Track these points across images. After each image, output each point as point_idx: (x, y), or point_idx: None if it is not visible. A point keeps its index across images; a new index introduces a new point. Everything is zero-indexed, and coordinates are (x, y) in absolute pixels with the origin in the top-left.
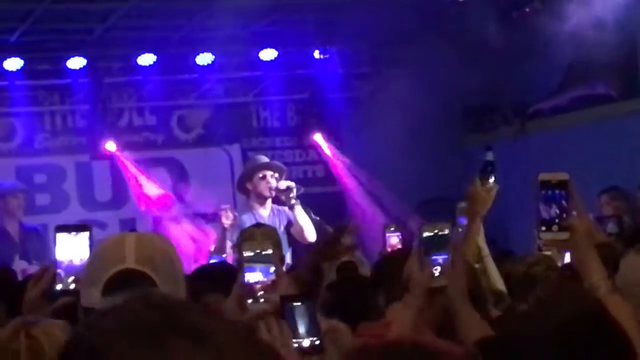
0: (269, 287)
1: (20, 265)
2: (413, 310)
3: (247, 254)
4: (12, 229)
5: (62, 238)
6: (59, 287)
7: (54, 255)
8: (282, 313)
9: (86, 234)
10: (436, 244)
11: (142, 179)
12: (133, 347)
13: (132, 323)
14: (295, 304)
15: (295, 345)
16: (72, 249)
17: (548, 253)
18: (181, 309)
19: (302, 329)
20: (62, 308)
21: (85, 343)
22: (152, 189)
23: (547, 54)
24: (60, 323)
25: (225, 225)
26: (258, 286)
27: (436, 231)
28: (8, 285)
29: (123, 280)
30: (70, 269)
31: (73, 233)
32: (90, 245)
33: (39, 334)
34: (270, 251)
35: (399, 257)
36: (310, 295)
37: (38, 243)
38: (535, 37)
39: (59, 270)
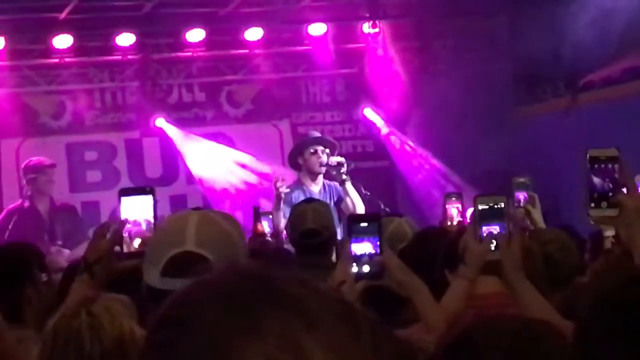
0: None
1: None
2: (467, 282)
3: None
4: (43, 207)
5: (126, 202)
6: (124, 249)
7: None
8: (349, 233)
9: (150, 196)
10: (491, 217)
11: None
12: (225, 317)
13: (224, 293)
14: (362, 224)
15: (356, 270)
16: (136, 212)
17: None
18: (274, 278)
19: (366, 251)
20: (127, 271)
21: (175, 315)
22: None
23: (599, 23)
24: (123, 298)
25: (280, 190)
26: None
27: (491, 204)
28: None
29: (181, 263)
30: (135, 232)
31: (137, 196)
32: (155, 208)
33: (100, 311)
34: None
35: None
36: (379, 218)
37: (67, 222)
38: (586, 6)
39: (125, 234)
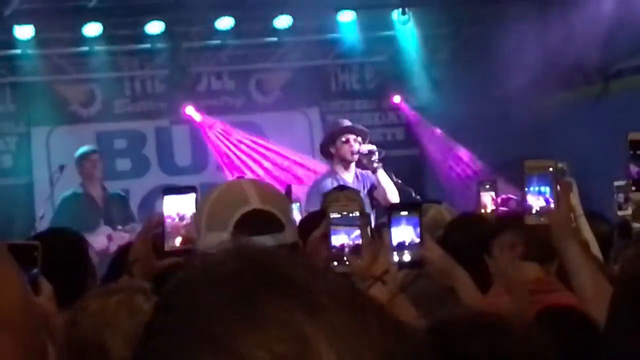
0: (354, 250)
1: (105, 231)
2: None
3: (334, 215)
4: (96, 193)
5: (169, 200)
6: (166, 247)
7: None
8: (389, 222)
9: (193, 195)
10: (539, 181)
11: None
12: (224, 304)
13: (223, 278)
14: (402, 213)
15: (397, 258)
16: (179, 210)
17: (628, 212)
18: (277, 262)
19: (406, 240)
20: (168, 268)
21: (172, 301)
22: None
23: (631, 10)
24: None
25: None
26: (345, 250)
27: (540, 167)
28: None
29: (251, 221)
30: (177, 230)
31: (180, 195)
32: (196, 207)
33: (121, 309)
34: (357, 213)
35: (513, 220)
36: (420, 207)
37: (121, 208)
38: None
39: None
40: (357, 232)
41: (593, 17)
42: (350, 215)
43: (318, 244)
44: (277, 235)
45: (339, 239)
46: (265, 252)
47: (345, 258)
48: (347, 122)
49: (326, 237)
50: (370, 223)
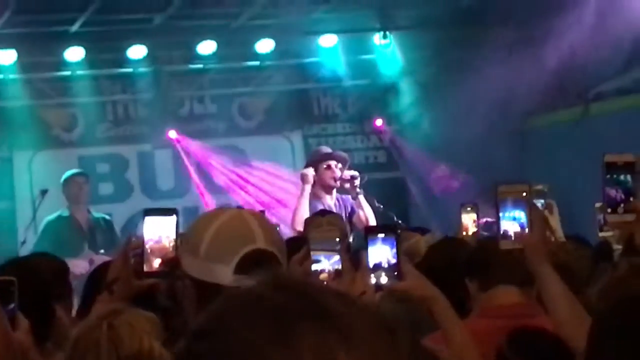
0: (333, 276)
1: (88, 255)
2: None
3: (314, 241)
4: (81, 217)
5: (149, 221)
6: (145, 268)
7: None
8: (366, 244)
9: (174, 217)
10: (513, 205)
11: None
12: (260, 330)
13: (259, 306)
14: (379, 235)
15: (374, 280)
16: (159, 232)
17: (609, 234)
18: (312, 291)
19: (382, 261)
20: (147, 289)
21: (209, 327)
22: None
23: (610, 33)
24: (151, 316)
25: None
26: (324, 275)
27: (513, 192)
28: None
29: (255, 260)
30: (157, 252)
31: (161, 217)
32: (177, 229)
33: (122, 325)
34: (337, 239)
35: (494, 244)
36: (396, 229)
37: (107, 233)
38: (598, 16)
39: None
40: (337, 257)
41: (573, 40)
42: (331, 240)
43: (297, 269)
44: None
45: (318, 265)
46: (301, 281)
47: (325, 283)
48: (327, 149)
49: (306, 262)
50: (351, 248)
